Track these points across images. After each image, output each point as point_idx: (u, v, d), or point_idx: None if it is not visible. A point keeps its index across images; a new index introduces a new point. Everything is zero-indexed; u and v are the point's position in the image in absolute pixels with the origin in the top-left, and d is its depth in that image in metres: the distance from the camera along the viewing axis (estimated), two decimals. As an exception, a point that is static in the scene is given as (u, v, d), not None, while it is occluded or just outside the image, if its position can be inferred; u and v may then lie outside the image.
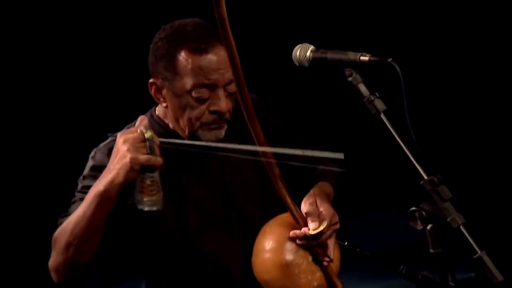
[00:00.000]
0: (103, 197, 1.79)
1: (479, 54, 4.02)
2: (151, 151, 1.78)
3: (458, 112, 4.11)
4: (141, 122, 1.82)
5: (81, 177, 1.99)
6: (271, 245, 1.93)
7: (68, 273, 1.88)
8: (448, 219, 1.54)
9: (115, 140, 1.89)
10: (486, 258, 1.50)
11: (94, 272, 3.78)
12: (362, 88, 1.70)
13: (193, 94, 1.91)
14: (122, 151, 1.77)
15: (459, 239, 1.53)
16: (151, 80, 1.97)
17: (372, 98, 1.68)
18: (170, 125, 2.01)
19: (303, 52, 1.79)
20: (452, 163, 4.02)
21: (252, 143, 1.89)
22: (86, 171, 1.99)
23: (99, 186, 1.80)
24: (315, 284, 1.94)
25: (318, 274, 1.95)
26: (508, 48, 3.97)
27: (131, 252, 2.05)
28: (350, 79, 1.71)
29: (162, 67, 1.93)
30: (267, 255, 1.93)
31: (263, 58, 3.86)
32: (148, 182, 1.78)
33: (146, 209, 1.78)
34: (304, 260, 1.93)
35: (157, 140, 1.80)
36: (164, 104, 1.98)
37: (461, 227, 1.53)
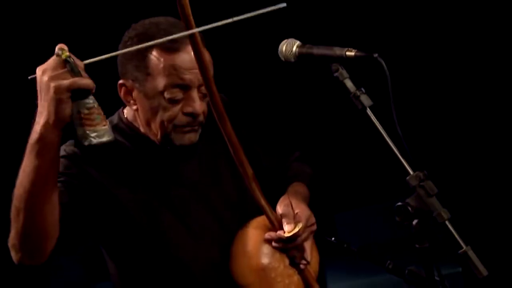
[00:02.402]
0: (39, 144, 1.58)
1: (465, 49, 4.03)
2: (74, 73, 1.54)
3: (444, 107, 4.12)
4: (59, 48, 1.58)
5: None
6: (246, 249, 1.89)
7: (25, 246, 1.68)
8: (434, 214, 1.55)
9: None
10: (471, 253, 1.50)
11: (78, 270, 3.78)
12: (348, 83, 1.70)
13: (166, 95, 1.83)
14: (43, 85, 1.54)
15: (445, 234, 1.54)
16: (120, 81, 1.89)
17: (358, 93, 1.68)
18: (141, 129, 1.93)
19: (289, 47, 1.79)
20: (438, 158, 4.03)
21: (226, 146, 1.83)
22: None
23: (32, 134, 1.59)
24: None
25: (296, 277, 1.92)
26: (493, 43, 3.98)
27: (101, 252, 1.99)
28: (336, 74, 1.71)
29: (133, 67, 1.84)
30: (243, 259, 1.89)
31: (249, 54, 3.86)
32: (85, 111, 1.54)
33: (94, 142, 1.54)
34: (280, 264, 1.90)
35: (80, 62, 1.57)
36: (134, 107, 1.90)
37: (447, 222, 1.53)
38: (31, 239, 1.68)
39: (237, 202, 2.00)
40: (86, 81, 1.55)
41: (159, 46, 1.82)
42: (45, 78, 1.54)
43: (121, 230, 1.91)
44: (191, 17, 1.63)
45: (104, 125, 1.56)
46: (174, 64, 1.82)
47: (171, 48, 1.82)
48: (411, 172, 1.59)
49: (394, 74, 1.65)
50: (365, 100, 1.67)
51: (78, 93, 1.54)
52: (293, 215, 1.88)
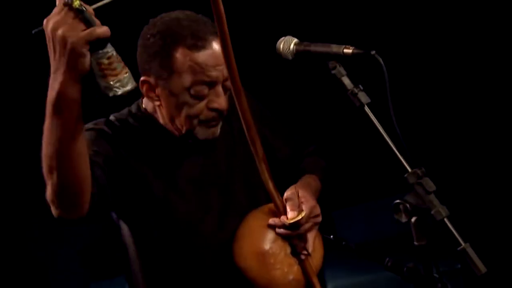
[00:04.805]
0: (62, 101, 1.52)
1: (463, 46, 4.03)
2: (89, 23, 1.45)
3: (442, 104, 4.12)
4: None
5: None
6: (250, 232, 1.92)
7: (61, 202, 1.67)
8: (432, 212, 1.54)
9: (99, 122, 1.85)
10: (470, 250, 1.50)
11: (77, 269, 3.79)
12: (346, 80, 1.70)
13: (192, 91, 1.86)
14: (58, 39, 1.45)
15: (444, 232, 1.53)
16: (142, 78, 1.89)
17: (356, 90, 1.68)
18: (160, 121, 1.96)
19: (286, 45, 1.79)
20: (436, 156, 4.03)
21: (242, 138, 1.86)
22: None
23: (51, 92, 1.52)
24: (291, 277, 1.91)
25: (295, 268, 1.93)
26: (492, 40, 3.98)
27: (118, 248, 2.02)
28: (334, 71, 1.71)
29: (157, 65, 1.85)
30: (245, 241, 1.91)
31: (247, 51, 3.86)
32: (105, 61, 1.48)
33: (119, 92, 1.49)
34: (281, 251, 1.91)
35: (89, 7, 1.48)
36: (157, 103, 1.92)
37: (445, 220, 1.53)
38: (66, 195, 1.65)
39: (252, 186, 2.02)
40: (103, 29, 1.47)
41: (184, 44, 1.83)
42: (60, 32, 1.45)
43: (144, 205, 1.92)
44: (223, 14, 1.65)
45: (126, 73, 1.50)
46: (200, 62, 1.84)
47: (196, 46, 1.84)
48: (409, 169, 1.59)
49: (392, 71, 1.65)
50: (363, 97, 1.67)
51: (96, 44, 1.46)
52: (297, 203, 1.90)
